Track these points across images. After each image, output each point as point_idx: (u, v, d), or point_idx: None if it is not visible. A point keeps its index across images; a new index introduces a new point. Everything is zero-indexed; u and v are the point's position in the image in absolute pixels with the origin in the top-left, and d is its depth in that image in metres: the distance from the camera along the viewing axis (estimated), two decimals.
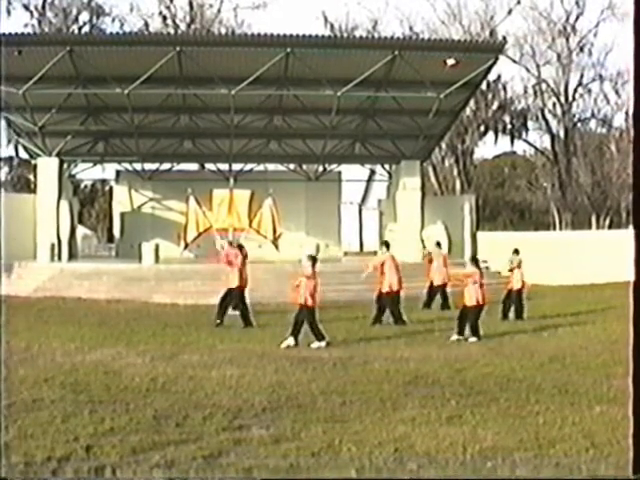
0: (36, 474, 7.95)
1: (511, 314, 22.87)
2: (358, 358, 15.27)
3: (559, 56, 62.10)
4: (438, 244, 27.84)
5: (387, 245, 23.36)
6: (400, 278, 22.12)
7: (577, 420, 10.04)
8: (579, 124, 65.67)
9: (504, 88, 65.59)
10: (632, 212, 12.02)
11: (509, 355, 15.73)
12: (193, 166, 52.16)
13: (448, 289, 25.89)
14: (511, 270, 23.98)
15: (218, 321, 21.44)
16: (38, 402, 11.07)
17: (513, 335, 19.04)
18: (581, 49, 62.62)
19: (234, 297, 22.18)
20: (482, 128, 65.50)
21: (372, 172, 50.17)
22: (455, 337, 18.27)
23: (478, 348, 16.86)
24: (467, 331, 18.53)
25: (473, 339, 18.13)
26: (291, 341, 17.17)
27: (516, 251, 24.24)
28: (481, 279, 19.02)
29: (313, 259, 17.97)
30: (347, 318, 22.87)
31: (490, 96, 64.35)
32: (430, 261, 27.06)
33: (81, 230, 47.08)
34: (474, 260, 19.86)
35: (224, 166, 44.68)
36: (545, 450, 8.72)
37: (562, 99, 62.90)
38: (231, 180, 40.25)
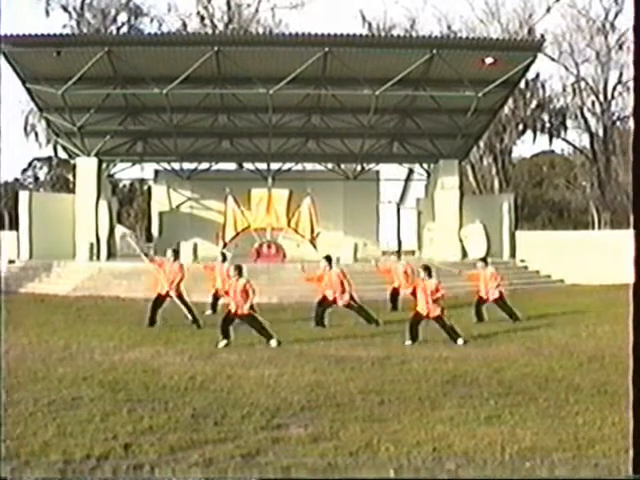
0: (75, 472, 8.02)
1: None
2: (396, 357, 15.24)
3: (598, 54, 61.52)
4: (397, 252, 27.52)
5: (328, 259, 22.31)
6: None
7: (617, 420, 9.97)
8: (618, 122, 64.85)
9: (543, 86, 65.09)
10: (632, 212, 11.82)
11: (548, 355, 15.64)
12: (231, 165, 52.30)
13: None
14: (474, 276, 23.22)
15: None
16: (77, 400, 11.18)
17: (551, 335, 18.92)
18: (620, 47, 61.69)
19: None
20: (520, 127, 65.04)
21: (410, 171, 50.00)
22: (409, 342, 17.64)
23: (517, 348, 16.77)
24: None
25: (408, 342, 17.55)
26: (274, 342, 17.23)
27: (483, 260, 23.39)
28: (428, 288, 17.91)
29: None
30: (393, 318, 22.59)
31: (529, 94, 63.93)
32: (388, 271, 26.25)
33: (120, 229, 47.29)
34: (426, 269, 18.47)
35: (262, 165, 44.84)
36: (584, 451, 8.68)
37: (601, 97, 62.30)
38: (269, 179, 40.38)
